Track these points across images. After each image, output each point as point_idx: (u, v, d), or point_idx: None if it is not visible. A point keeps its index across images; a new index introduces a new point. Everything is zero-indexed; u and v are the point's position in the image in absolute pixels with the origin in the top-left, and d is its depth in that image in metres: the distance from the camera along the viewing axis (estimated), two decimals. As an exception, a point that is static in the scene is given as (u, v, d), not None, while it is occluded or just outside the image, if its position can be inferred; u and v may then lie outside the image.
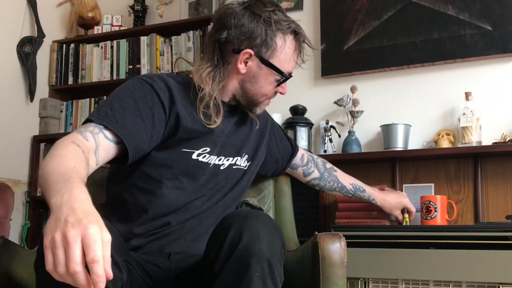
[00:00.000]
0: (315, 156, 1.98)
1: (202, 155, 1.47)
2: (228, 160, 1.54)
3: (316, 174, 1.93)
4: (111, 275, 0.83)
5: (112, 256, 1.00)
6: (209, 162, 1.49)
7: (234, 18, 1.45)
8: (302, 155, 1.90)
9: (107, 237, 0.85)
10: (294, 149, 1.87)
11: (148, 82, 1.41)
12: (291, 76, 1.54)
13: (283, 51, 1.48)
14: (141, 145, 1.33)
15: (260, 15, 1.45)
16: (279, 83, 1.52)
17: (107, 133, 1.28)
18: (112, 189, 1.49)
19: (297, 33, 1.51)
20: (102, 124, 1.28)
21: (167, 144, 1.42)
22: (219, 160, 1.52)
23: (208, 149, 1.48)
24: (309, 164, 1.91)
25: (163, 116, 1.39)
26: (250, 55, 1.46)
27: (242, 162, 1.59)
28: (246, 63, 1.48)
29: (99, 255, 0.81)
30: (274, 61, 1.48)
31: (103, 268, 0.81)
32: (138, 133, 1.32)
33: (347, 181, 2.00)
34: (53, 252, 0.82)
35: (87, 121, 1.29)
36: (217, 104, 1.47)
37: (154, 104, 1.37)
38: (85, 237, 0.81)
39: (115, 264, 1.04)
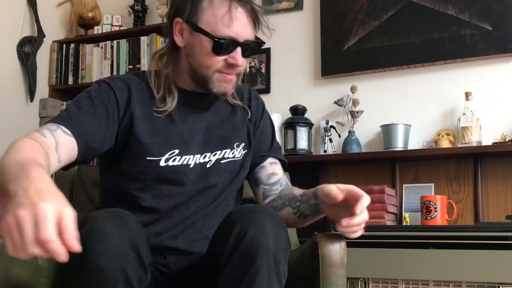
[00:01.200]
0: (295, 189, 1.49)
1: (172, 159, 1.35)
2: (215, 155, 1.41)
3: (276, 202, 1.47)
4: (76, 248, 0.79)
5: (140, 257, 1.05)
6: (186, 163, 1.36)
7: None
8: (272, 173, 1.49)
9: (67, 212, 0.80)
10: (270, 154, 1.52)
11: (106, 81, 1.36)
12: (230, 40, 1.30)
13: (211, 11, 1.29)
14: (92, 144, 1.27)
15: None
16: (217, 50, 1.29)
17: (65, 128, 1.23)
18: (102, 197, 1.48)
19: None
20: (57, 123, 1.24)
21: (131, 155, 1.33)
22: (204, 157, 1.39)
23: (177, 151, 1.35)
24: (274, 186, 1.49)
25: (117, 115, 1.33)
26: (181, 23, 1.33)
27: (236, 153, 1.44)
28: (182, 34, 1.34)
29: (50, 234, 0.77)
30: (203, 25, 1.29)
31: (60, 245, 0.78)
32: (91, 131, 1.27)
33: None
34: (10, 236, 0.79)
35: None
36: (171, 89, 1.36)
37: (110, 102, 1.32)
38: (36, 215, 0.78)
39: (142, 266, 1.06)
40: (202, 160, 1.39)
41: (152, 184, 1.34)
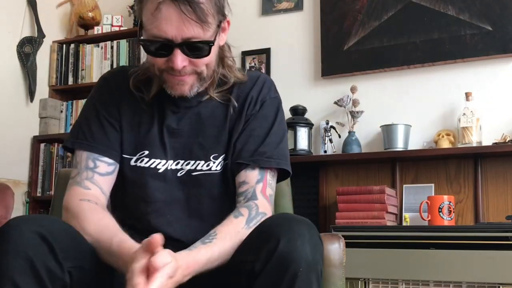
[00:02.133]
0: (259, 210, 1.21)
1: (140, 159, 1.25)
2: (187, 164, 1.25)
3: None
4: None
5: (55, 253, 1.02)
6: (154, 167, 1.24)
7: None
8: (243, 181, 1.24)
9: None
10: (250, 162, 1.24)
11: (106, 77, 1.34)
12: (160, 41, 1.13)
13: (145, 8, 1.14)
14: (117, 148, 1.27)
15: None
16: (148, 51, 1.17)
17: (100, 165, 1.24)
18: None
19: None
20: (87, 150, 1.25)
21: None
22: (176, 164, 1.26)
23: (146, 152, 1.25)
24: (239, 198, 1.24)
25: (117, 114, 1.29)
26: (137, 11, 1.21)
27: (213, 165, 1.25)
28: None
29: None
30: (143, 22, 1.17)
31: None
32: (107, 139, 1.27)
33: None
34: None
35: (65, 147, 1.31)
36: (152, 81, 1.26)
37: (111, 103, 1.29)
38: None
39: (56, 262, 1.02)
40: (173, 167, 1.25)
41: (121, 183, 1.28)
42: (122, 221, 1.18)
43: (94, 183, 1.23)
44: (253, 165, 1.24)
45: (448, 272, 2.06)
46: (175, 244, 1.14)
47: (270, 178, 1.26)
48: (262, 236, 1.06)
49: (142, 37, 1.16)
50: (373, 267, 2.18)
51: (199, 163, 1.25)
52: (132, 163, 1.26)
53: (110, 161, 1.26)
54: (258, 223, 1.14)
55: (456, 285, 2.06)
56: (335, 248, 1.34)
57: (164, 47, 1.14)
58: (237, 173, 1.25)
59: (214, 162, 1.25)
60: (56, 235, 1.04)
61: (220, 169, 1.25)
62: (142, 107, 1.29)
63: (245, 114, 1.28)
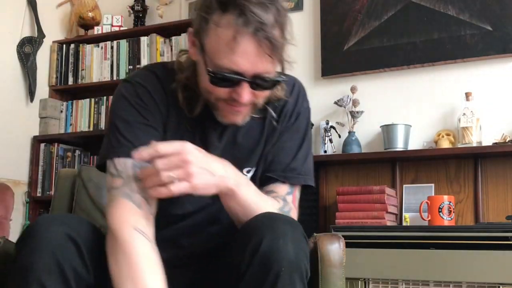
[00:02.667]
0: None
1: None
2: None
3: None
4: None
5: (82, 254, 1.01)
6: None
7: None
8: (271, 191, 1.24)
9: None
10: (280, 177, 1.24)
11: (142, 84, 1.19)
12: (231, 74, 1.05)
13: (215, 34, 1.05)
14: None
15: None
16: (215, 82, 1.08)
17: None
18: None
19: (242, 11, 1.02)
20: (124, 156, 1.11)
21: None
22: None
23: None
24: None
25: (161, 122, 1.20)
26: (193, 35, 1.12)
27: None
28: (194, 46, 1.13)
29: None
30: (207, 47, 1.07)
31: None
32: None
33: None
34: None
35: (105, 157, 1.16)
36: (193, 95, 1.17)
37: (154, 110, 1.19)
38: None
39: (84, 265, 1.03)
40: None
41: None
42: None
43: (145, 201, 1.10)
44: (284, 180, 1.24)
45: (448, 272, 2.06)
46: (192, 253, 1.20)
47: (297, 192, 1.27)
48: (247, 236, 1.06)
49: (209, 68, 1.06)
50: (373, 267, 2.18)
51: None
52: None
53: None
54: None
55: (456, 285, 2.06)
56: (335, 248, 1.34)
57: (232, 80, 1.06)
58: (266, 184, 1.24)
59: (246, 176, 1.23)
60: (84, 236, 1.04)
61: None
62: (184, 121, 1.20)
63: (280, 126, 1.25)
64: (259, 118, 1.23)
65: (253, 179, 1.24)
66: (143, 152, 1.04)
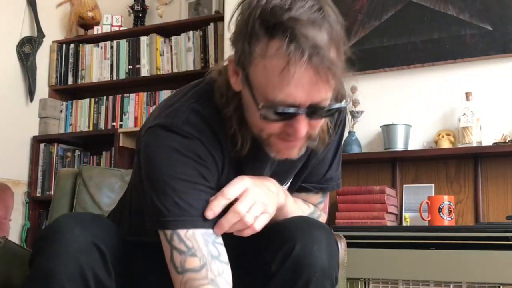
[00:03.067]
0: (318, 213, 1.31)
1: None
2: None
3: None
4: None
5: (105, 259, 0.99)
6: None
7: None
8: (304, 200, 1.26)
9: None
10: (314, 188, 1.25)
11: (198, 137, 1.01)
12: (285, 108, 0.91)
13: (263, 63, 0.91)
14: None
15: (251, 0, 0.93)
16: (272, 119, 0.94)
17: (221, 250, 1.00)
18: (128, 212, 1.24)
19: (293, 36, 0.88)
20: (190, 227, 0.98)
21: None
22: None
23: None
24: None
25: (217, 175, 1.06)
26: (235, 63, 0.98)
27: None
28: (237, 75, 0.99)
29: None
30: (253, 78, 0.94)
31: None
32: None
33: None
34: None
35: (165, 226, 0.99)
36: (240, 132, 1.03)
37: (213, 169, 1.04)
38: None
39: (107, 272, 1.01)
40: None
41: None
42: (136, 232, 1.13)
43: (227, 281, 0.99)
44: (317, 191, 1.24)
45: (448, 272, 2.06)
46: None
47: (328, 198, 1.31)
48: (280, 238, 1.04)
49: (259, 104, 0.93)
50: (373, 267, 2.18)
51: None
52: None
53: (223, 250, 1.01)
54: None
55: (456, 285, 2.06)
56: (336, 248, 1.34)
57: (287, 114, 0.93)
58: (299, 191, 1.22)
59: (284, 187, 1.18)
60: (108, 242, 1.01)
61: None
62: (233, 160, 1.07)
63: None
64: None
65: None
66: (214, 208, 0.98)
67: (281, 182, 1.14)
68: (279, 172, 1.14)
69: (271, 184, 1.08)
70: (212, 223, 0.99)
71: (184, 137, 1.00)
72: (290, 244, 1.02)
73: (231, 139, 1.03)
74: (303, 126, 0.94)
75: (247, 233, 1.02)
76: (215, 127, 1.03)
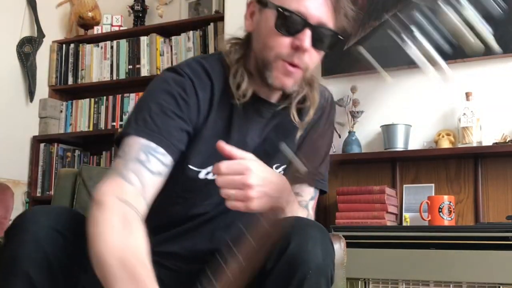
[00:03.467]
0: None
1: (210, 173, 1.18)
2: None
3: None
4: None
5: (73, 254, 1.00)
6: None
7: None
8: (298, 193, 1.30)
9: None
10: (314, 176, 1.33)
11: (187, 74, 1.16)
12: (297, 16, 1.09)
13: None
14: (178, 145, 1.13)
15: None
16: (280, 25, 1.10)
17: (153, 161, 1.07)
18: None
19: None
20: (145, 138, 1.08)
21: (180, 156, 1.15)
22: None
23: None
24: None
25: (195, 119, 1.16)
26: (254, 4, 1.18)
27: None
28: (252, 17, 1.18)
29: None
30: None
31: None
32: (179, 137, 1.12)
33: None
34: None
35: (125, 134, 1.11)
36: (240, 74, 1.17)
37: (191, 104, 1.14)
38: None
39: (74, 259, 1.01)
40: None
41: (181, 193, 1.21)
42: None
43: (140, 180, 1.05)
44: (311, 184, 1.29)
45: (448, 272, 2.06)
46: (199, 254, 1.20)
47: (317, 198, 1.34)
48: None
49: (277, 5, 1.10)
50: (373, 267, 2.18)
51: None
52: (202, 176, 1.18)
53: (166, 159, 1.09)
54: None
55: (456, 285, 2.06)
56: (336, 248, 1.34)
57: (297, 23, 1.10)
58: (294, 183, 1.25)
59: (276, 172, 1.24)
60: (71, 228, 1.02)
61: None
62: (226, 113, 1.18)
63: (312, 132, 1.27)
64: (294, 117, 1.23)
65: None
66: (227, 146, 1.05)
67: (270, 162, 1.19)
68: (272, 139, 1.22)
69: (275, 186, 1.09)
70: (165, 145, 1.08)
71: (179, 74, 1.16)
72: (284, 242, 1.03)
73: (235, 90, 1.16)
74: (308, 39, 1.10)
75: (238, 206, 1.03)
76: (212, 77, 1.17)
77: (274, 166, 1.24)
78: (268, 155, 1.20)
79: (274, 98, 1.22)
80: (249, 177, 1.03)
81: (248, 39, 1.20)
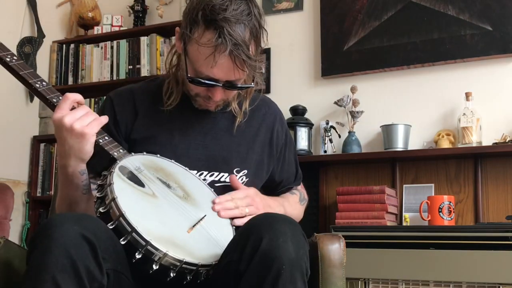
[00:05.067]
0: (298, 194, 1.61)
1: None
2: (211, 175, 1.36)
3: None
4: None
5: (96, 254, 1.02)
6: None
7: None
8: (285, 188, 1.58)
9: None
10: (294, 185, 1.59)
11: (111, 97, 1.40)
12: (207, 80, 1.25)
13: (196, 46, 1.22)
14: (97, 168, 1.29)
15: None
16: (193, 83, 1.27)
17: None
18: None
19: (221, 33, 1.19)
20: None
21: None
22: (200, 175, 1.35)
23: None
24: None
25: (124, 130, 1.36)
26: (180, 33, 1.30)
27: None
28: (180, 42, 1.31)
29: None
30: (189, 51, 1.26)
31: None
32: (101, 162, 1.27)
33: None
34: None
35: None
36: (172, 89, 1.37)
37: (111, 122, 1.34)
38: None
39: (98, 265, 1.03)
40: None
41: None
42: None
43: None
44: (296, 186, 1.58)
45: (448, 272, 2.06)
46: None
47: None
48: (245, 235, 1.07)
49: (189, 74, 1.26)
50: (373, 267, 2.18)
51: (222, 175, 1.37)
52: None
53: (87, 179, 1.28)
54: (297, 206, 1.53)
55: (456, 285, 2.06)
56: (335, 248, 1.34)
57: (208, 85, 1.26)
58: (280, 189, 1.55)
59: (236, 176, 1.37)
60: (99, 236, 1.04)
61: (241, 182, 1.38)
62: (161, 119, 1.36)
63: (275, 145, 1.47)
64: (247, 120, 1.42)
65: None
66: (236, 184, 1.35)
67: (232, 166, 1.37)
68: (228, 156, 1.37)
69: (273, 202, 1.42)
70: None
71: (108, 98, 1.41)
72: (255, 240, 1.04)
73: (167, 98, 1.36)
74: (219, 94, 1.28)
75: (237, 223, 1.28)
76: (136, 92, 1.39)
77: (235, 170, 1.38)
78: (227, 161, 1.37)
79: None
80: (254, 197, 1.34)
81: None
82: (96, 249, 1.02)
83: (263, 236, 1.04)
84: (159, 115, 1.37)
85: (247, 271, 1.05)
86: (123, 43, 3.51)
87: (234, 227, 1.26)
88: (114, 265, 1.07)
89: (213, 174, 1.36)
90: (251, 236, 1.06)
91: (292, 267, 1.04)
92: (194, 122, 1.38)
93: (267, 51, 3.06)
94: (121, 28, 3.60)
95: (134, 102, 1.38)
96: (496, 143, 2.44)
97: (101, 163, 1.26)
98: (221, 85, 1.26)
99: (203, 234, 1.19)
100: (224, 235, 1.22)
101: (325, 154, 2.81)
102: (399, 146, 2.61)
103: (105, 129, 1.27)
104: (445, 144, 2.54)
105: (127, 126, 1.36)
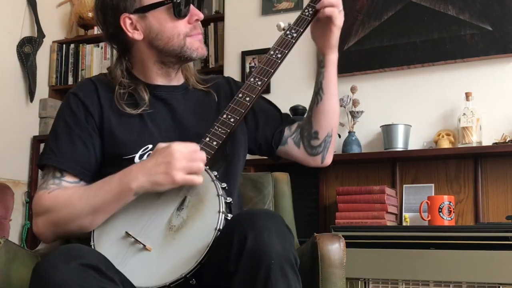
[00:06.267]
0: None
1: (146, 154, 1.31)
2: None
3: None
4: None
5: (107, 274, 1.03)
6: None
7: (97, 6, 1.38)
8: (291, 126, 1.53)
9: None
10: (282, 118, 1.55)
11: (74, 92, 1.36)
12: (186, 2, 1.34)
13: None
14: (85, 165, 1.31)
15: None
16: (178, 11, 1.32)
17: (67, 176, 1.30)
18: None
19: None
20: (50, 165, 1.31)
21: (109, 156, 1.33)
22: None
23: (151, 146, 1.31)
24: (293, 128, 1.53)
25: (94, 124, 1.33)
26: (129, 18, 1.33)
27: None
28: (135, 28, 1.34)
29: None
30: (151, 2, 1.32)
31: None
32: (76, 155, 1.30)
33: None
34: None
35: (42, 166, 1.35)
36: (140, 89, 1.37)
37: (82, 114, 1.33)
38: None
39: (110, 280, 1.04)
40: None
41: None
42: None
43: (60, 187, 1.28)
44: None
45: (448, 272, 2.06)
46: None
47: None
48: (230, 235, 1.07)
49: (159, 4, 1.31)
50: (373, 267, 2.18)
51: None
52: (137, 159, 1.30)
53: (76, 178, 1.31)
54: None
55: (456, 285, 2.06)
56: (335, 248, 1.34)
57: (185, 3, 1.32)
58: (282, 138, 1.49)
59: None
60: (94, 257, 1.06)
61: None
62: (132, 113, 1.34)
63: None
64: (205, 97, 1.44)
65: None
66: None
67: (188, 132, 1.36)
68: (199, 132, 1.33)
69: None
70: (68, 166, 1.29)
71: (71, 93, 1.37)
72: (240, 239, 1.05)
73: (130, 100, 1.35)
74: (198, 10, 1.35)
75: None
76: (97, 84, 1.38)
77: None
78: (199, 136, 1.31)
79: (174, 82, 1.42)
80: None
81: (128, 52, 1.41)
82: (101, 269, 1.03)
83: (247, 234, 1.04)
84: (121, 105, 1.37)
85: (237, 271, 1.05)
86: (123, 43, 3.51)
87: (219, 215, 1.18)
88: (123, 277, 1.10)
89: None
90: (234, 235, 1.06)
91: (281, 260, 1.04)
92: (161, 109, 1.38)
93: (267, 51, 3.05)
94: (121, 28, 3.60)
95: (97, 92, 1.37)
96: (496, 143, 2.44)
97: (90, 163, 1.32)
98: (196, 3, 1.35)
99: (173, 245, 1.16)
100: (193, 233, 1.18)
101: (325, 154, 2.80)
102: (399, 146, 2.61)
103: (78, 124, 1.32)
104: (445, 144, 2.54)
105: (99, 116, 1.34)
